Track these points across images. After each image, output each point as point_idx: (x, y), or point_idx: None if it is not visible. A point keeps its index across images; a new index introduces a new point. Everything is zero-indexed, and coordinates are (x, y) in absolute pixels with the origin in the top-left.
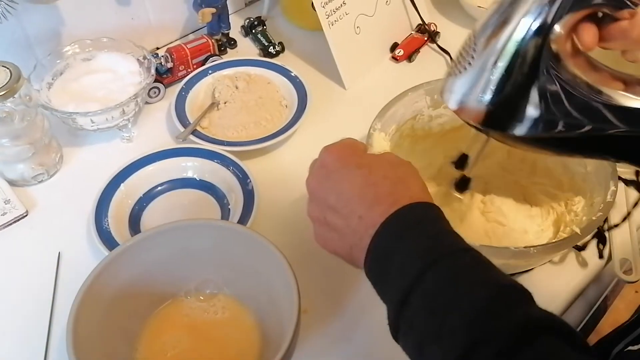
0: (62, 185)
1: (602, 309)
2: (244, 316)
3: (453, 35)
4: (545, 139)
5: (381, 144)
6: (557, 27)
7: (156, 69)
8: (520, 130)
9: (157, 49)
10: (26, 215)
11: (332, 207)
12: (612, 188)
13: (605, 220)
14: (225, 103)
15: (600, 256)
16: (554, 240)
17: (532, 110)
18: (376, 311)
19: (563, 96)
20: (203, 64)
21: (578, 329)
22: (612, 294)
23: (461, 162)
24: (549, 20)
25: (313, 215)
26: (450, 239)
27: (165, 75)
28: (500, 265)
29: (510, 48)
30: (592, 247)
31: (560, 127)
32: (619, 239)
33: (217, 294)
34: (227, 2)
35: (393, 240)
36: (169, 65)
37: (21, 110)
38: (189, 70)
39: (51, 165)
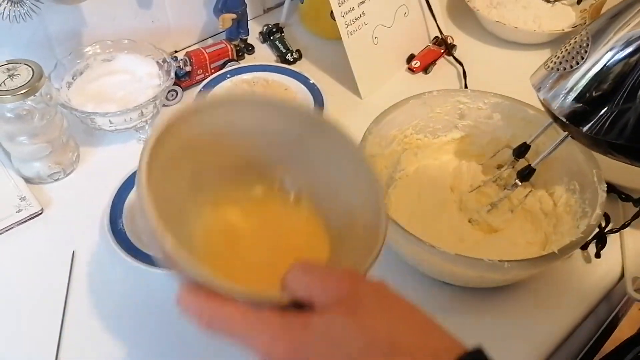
0: (78, 184)
1: (611, 327)
2: (317, 221)
3: (469, 49)
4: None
5: (373, 148)
6: None
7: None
8: (611, 135)
9: (176, 52)
10: (41, 213)
11: None
12: (598, 212)
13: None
14: None
15: (597, 255)
16: (529, 257)
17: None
18: None
19: None
20: (221, 69)
21: (587, 346)
22: (622, 312)
23: (520, 151)
24: None
25: None
26: None
27: (183, 79)
28: (475, 277)
29: (623, 54)
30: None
31: None
32: (632, 257)
33: (292, 191)
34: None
35: None
36: (188, 68)
37: (41, 109)
38: (207, 74)
39: (68, 164)
